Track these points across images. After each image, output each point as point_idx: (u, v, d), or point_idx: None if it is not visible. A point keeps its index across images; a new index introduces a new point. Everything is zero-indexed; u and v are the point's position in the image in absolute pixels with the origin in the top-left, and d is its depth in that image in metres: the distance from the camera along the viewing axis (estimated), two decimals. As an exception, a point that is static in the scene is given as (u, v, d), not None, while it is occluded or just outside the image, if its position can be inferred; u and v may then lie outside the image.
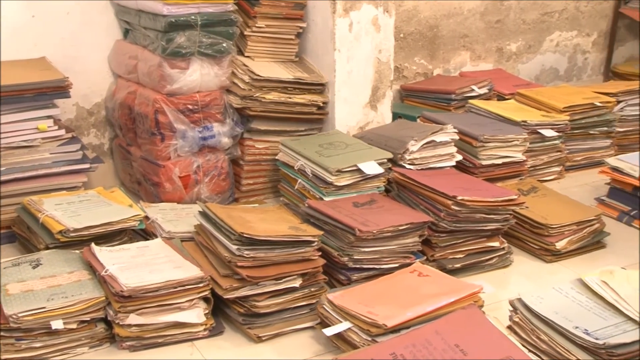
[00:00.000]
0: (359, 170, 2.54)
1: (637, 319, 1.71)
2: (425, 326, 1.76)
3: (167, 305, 1.98)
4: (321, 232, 2.20)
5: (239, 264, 2.01)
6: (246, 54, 2.98)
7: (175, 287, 1.98)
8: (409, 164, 2.68)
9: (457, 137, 2.82)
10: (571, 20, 4.24)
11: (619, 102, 3.37)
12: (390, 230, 2.23)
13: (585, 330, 1.70)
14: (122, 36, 3.02)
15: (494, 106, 3.34)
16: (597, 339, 1.66)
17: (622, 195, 2.84)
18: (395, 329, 1.82)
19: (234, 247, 2.03)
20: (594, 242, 2.59)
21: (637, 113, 3.42)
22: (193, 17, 2.63)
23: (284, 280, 2.06)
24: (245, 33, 2.95)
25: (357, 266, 2.21)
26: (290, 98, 2.89)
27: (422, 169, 2.70)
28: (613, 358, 1.64)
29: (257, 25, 2.95)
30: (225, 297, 2.03)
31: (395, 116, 3.20)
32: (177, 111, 2.71)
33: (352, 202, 2.44)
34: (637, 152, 2.96)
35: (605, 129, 3.31)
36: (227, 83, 2.83)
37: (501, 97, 3.60)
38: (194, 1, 2.62)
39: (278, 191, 2.90)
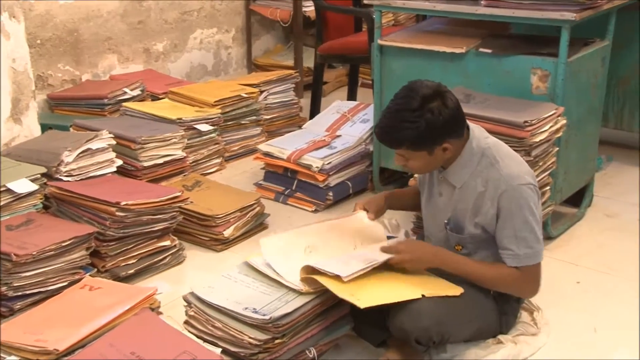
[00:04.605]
0: (9, 191, 2.39)
1: (296, 288, 1.87)
2: (98, 341, 1.71)
3: None
4: (-30, 266, 2.00)
5: None
6: None
7: None
8: (66, 175, 2.59)
9: (114, 142, 2.78)
10: (210, 18, 4.44)
11: (262, 91, 3.63)
12: (52, 248, 2.15)
13: (254, 309, 1.81)
14: None
15: (148, 107, 3.37)
16: (264, 315, 1.78)
17: (276, 177, 3.09)
18: (70, 351, 1.73)
19: None
20: (257, 224, 2.78)
21: (279, 101, 3.73)
22: None
23: None
24: None
25: (20, 293, 2.08)
26: None
27: (81, 179, 2.62)
28: (280, 329, 1.78)
29: None
30: None
31: (45, 127, 3.04)
32: None
33: (5, 225, 2.28)
34: (284, 136, 3.26)
35: (254, 117, 3.55)
36: None
37: (155, 97, 3.63)
38: None
39: None
